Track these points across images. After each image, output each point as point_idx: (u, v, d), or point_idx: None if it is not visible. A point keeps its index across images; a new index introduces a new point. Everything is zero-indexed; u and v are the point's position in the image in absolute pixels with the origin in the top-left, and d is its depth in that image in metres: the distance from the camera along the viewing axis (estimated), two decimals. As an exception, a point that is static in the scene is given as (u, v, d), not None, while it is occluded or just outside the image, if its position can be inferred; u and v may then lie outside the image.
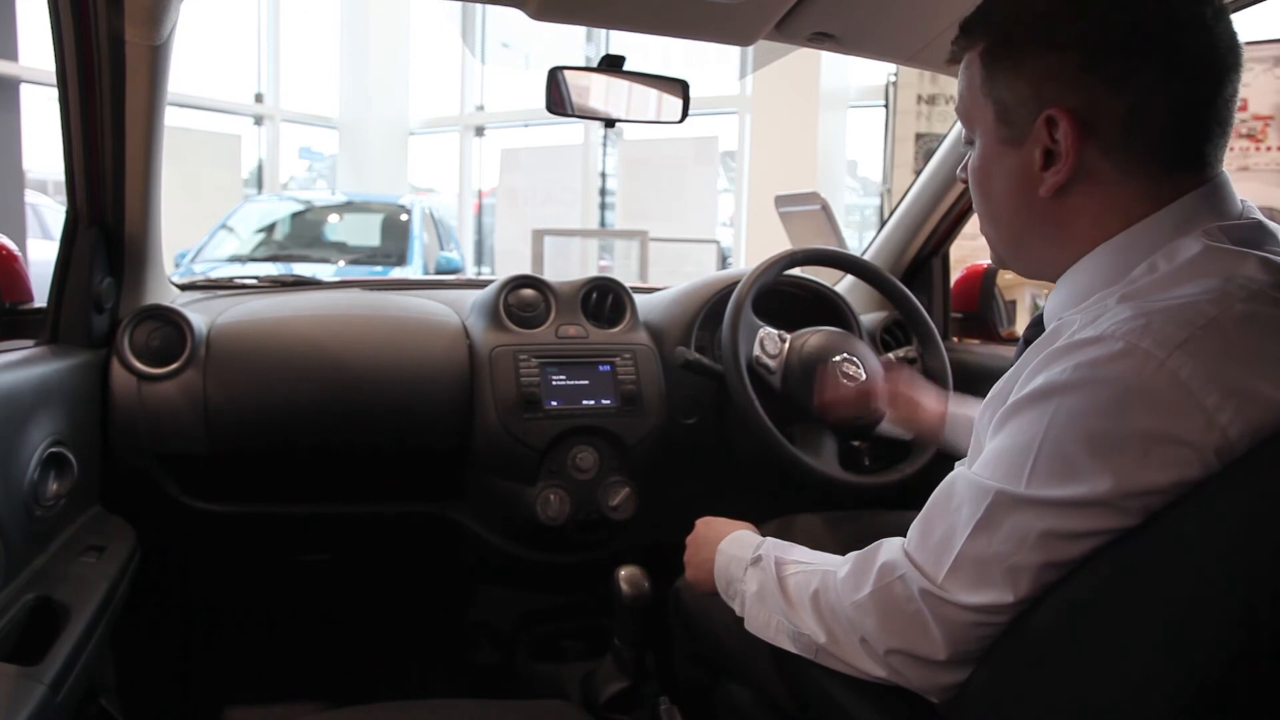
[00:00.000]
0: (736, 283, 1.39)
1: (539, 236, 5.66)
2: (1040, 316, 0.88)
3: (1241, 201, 0.72)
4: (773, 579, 0.87)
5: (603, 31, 5.45)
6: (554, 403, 1.41)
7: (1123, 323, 0.64)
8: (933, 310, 1.73)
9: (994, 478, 0.68)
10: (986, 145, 0.76)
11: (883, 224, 1.82)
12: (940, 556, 0.71)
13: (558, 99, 1.32)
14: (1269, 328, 0.62)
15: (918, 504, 0.88)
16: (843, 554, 0.86)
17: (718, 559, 0.98)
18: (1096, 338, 0.64)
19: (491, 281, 1.57)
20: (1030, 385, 0.67)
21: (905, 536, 0.77)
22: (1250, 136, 4.09)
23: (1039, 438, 0.65)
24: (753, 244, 7.05)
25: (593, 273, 2.09)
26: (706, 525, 1.08)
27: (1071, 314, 0.71)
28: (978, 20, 0.76)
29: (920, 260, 1.77)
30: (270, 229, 6.48)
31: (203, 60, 7.98)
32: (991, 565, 0.67)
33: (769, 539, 0.94)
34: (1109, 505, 0.62)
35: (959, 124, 1.58)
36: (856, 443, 1.47)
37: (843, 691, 0.81)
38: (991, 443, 0.71)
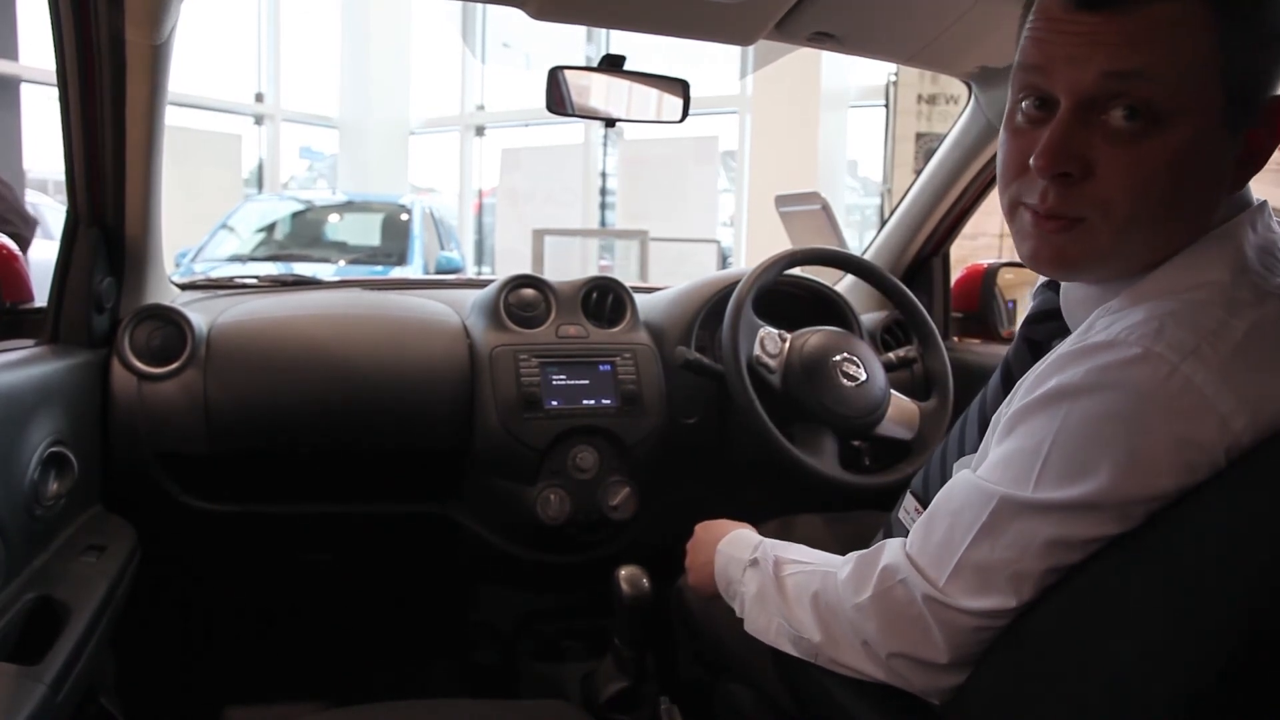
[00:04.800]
0: (737, 282, 1.39)
1: (539, 236, 5.66)
2: (1041, 313, 0.86)
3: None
4: (771, 579, 0.86)
5: (603, 31, 5.45)
6: (554, 402, 1.41)
7: (1136, 326, 0.62)
8: (933, 310, 1.73)
9: (1000, 482, 0.67)
10: (1203, 127, 0.62)
11: (883, 224, 1.82)
12: (942, 560, 0.70)
13: (558, 99, 1.32)
14: (1277, 330, 0.61)
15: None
16: (842, 554, 0.85)
17: (717, 559, 0.98)
18: (1110, 342, 0.62)
19: (492, 281, 1.57)
20: (1041, 389, 0.66)
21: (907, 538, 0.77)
22: (1251, 136, 4.07)
23: (1048, 441, 0.64)
24: (753, 244, 7.05)
25: (593, 272, 2.09)
26: (705, 529, 1.07)
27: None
28: None
29: (921, 260, 1.77)
30: (271, 229, 6.48)
31: (203, 60, 7.98)
32: (995, 571, 0.67)
33: (766, 539, 0.94)
34: (1116, 511, 0.61)
35: (962, 123, 1.58)
36: (857, 443, 1.47)
37: (843, 691, 0.81)
38: (999, 447, 0.70)
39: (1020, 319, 1.91)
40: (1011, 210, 0.71)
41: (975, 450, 0.79)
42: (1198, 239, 0.66)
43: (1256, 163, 0.66)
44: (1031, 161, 0.65)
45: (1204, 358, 0.59)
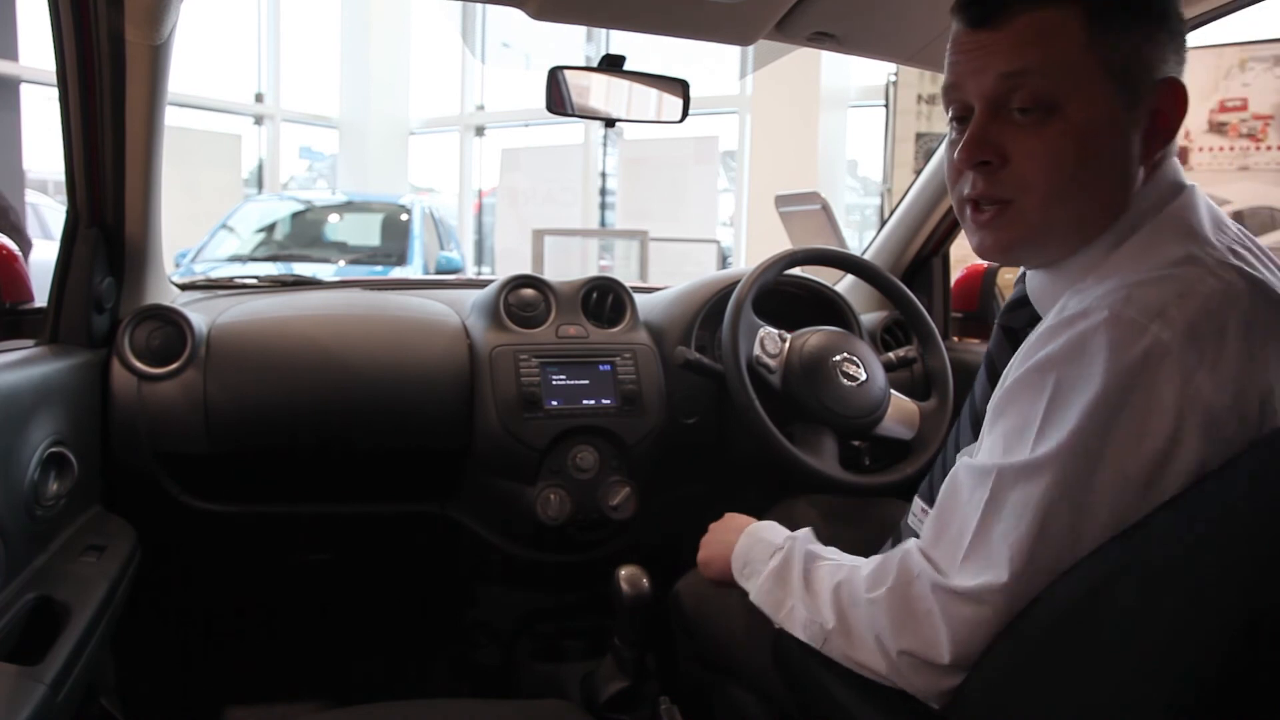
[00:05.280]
0: (736, 282, 1.39)
1: (539, 236, 5.65)
2: (1016, 301, 0.91)
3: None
4: (799, 565, 0.87)
5: (603, 31, 5.44)
6: (554, 402, 1.41)
7: (1105, 295, 0.68)
8: (933, 310, 1.73)
9: (999, 458, 0.70)
10: (1096, 109, 0.72)
11: (883, 224, 1.82)
12: (955, 551, 0.72)
13: (558, 99, 1.32)
14: (1234, 295, 0.67)
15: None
16: (842, 540, 0.88)
17: (742, 540, 0.98)
18: (1084, 311, 0.68)
19: (492, 281, 1.57)
20: (1025, 365, 0.71)
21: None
22: (1250, 136, 4.08)
23: (1040, 410, 0.68)
24: (753, 244, 7.05)
25: (593, 272, 2.09)
26: (733, 516, 1.08)
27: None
28: None
29: (920, 260, 1.77)
30: (270, 229, 6.48)
31: (203, 60, 7.98)
32: (996, 544, 0.69)
33: (804, 530, 0.94)
34: (1091, 461, 0.65)
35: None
36: (856, 443, 1.47)
37: (845, 691, 0.81)
38: (993, 428, 0.73)
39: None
40: (959, 210, 0.81)
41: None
42: (1124, 212, 0.74)
43: (1165, 136, 0.75)
44: (956, 154, 0.77)
45: (1170, 319, 0.65)
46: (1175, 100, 0.74)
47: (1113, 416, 0.64)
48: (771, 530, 0.97)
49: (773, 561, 0.90)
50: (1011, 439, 0.70)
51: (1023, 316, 0.88)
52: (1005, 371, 0.76)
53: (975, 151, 0.75)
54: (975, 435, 0.85)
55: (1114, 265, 0.73)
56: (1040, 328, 0.73)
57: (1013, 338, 0.90)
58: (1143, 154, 0.74)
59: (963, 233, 1.77)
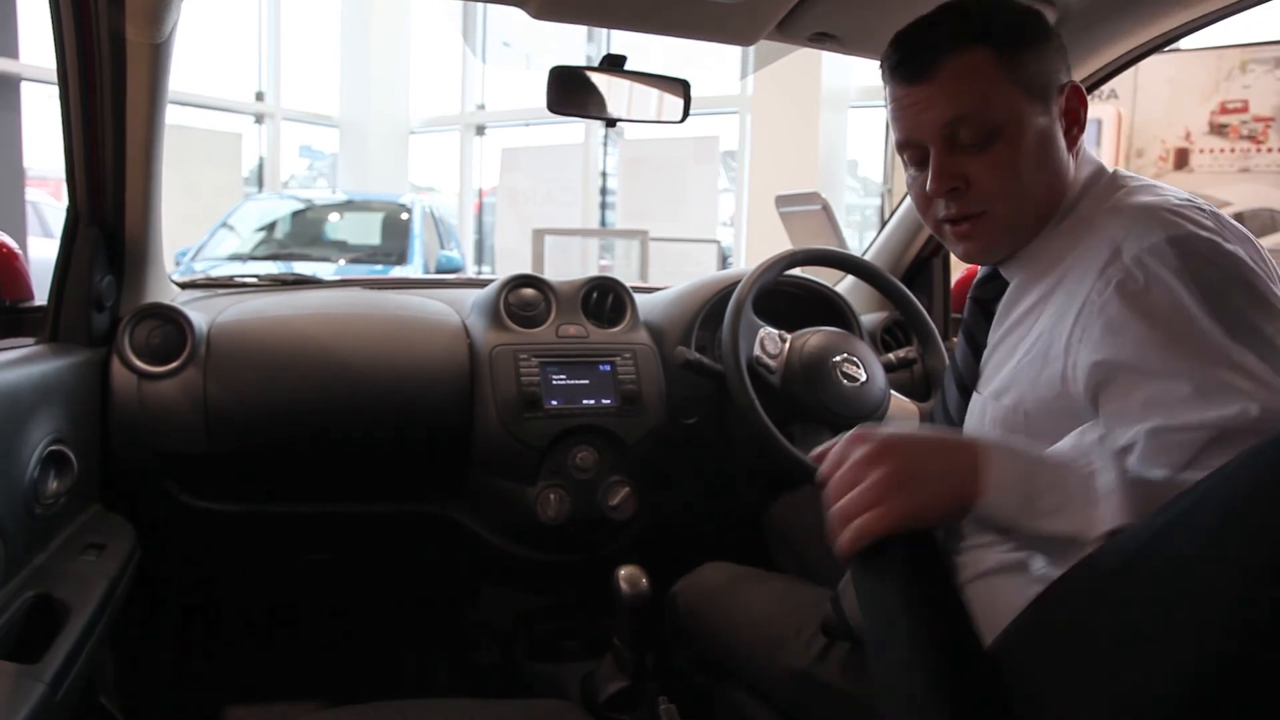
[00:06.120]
0: (737, 283, 1.39)
1: (539, 236, 5.65)
2: (987, 275, 0.98)
3: None
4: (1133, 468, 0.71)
5: (604, 31, 5.44)
6: (554, 402, 1.41)
7: (1139, 216, 0.77)
8: (933, 310, 1.73)
9: (1202, 410, 0.69)
10: (1026, 124, 0.84)
11: (883, 224, 1.82)
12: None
13: (559, 98, 1.32)
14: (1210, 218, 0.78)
15: None
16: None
17: (1003, 465, 0.70)
18: (1148, 247, 0.74)
19: (492, 281, 1.57)
20: (1111, 310, 0.74)
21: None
22: (1251, 138, 4.09)
23: (1186, 345, 0.71)
24: (753, 244, 7.05)
25: (593, 272, 2.09)
26: (902, 439, 0.73)
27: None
28: (980, 29, 0.84)
29: (921, 260, 1.77)
30: (271, 227, 6.48)
31: (203, 58, 7.98)
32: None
33: (1087, 431, 0.78)
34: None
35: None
36: (856, 443, 1.47)
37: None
38: (1124, 385, 0.73)
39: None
40: (936, 230, 0.93)
41: (958, 412, 0.92)
42: (1068, 188, 0.88)
43: (1080, 128, 0.89)
44: (928, 187, 0.88)
45: (1212, 223, 0.76)
46: (1078, 98, 0.88)
47: (1227, 304, 0.71)
48: (1023, 449, 0.73)
49: (1103, 478, 0.69)
50: (1180, 391, 0.70)
51: (994, 289, 0.95)
52: (1088, 315, 0.76)
53: (944, 182, 0.87)
54: (965, 400, 0.93)
55: (1100, 210, 0.83)
56: (1092, 264, 0.78)
57: (985, 308, 0.97)
58: (1067, 145, 0.88)
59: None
